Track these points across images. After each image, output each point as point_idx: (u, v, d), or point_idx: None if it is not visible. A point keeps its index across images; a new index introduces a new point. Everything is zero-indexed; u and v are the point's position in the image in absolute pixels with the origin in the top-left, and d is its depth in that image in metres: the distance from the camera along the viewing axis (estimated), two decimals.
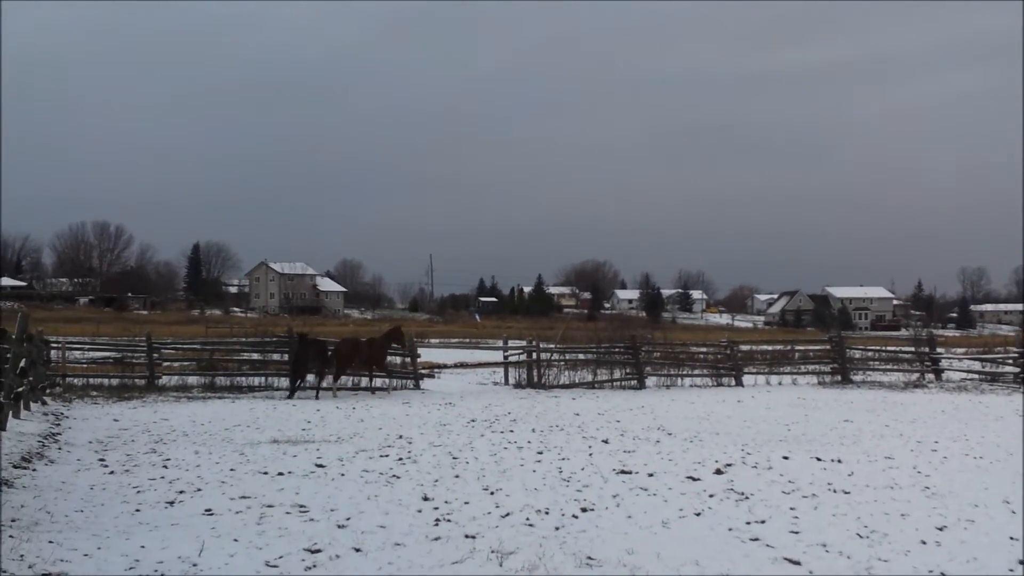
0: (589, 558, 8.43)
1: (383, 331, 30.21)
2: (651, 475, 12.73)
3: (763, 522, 9.96)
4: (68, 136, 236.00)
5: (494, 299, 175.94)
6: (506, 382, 30.52)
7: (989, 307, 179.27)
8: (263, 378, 28.30)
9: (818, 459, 14.31)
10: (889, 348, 39.21)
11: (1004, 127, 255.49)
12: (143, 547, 8.63)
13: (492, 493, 11.44)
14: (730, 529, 9.62)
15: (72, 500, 10.73)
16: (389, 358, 28.26)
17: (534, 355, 30.27)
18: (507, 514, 10.24)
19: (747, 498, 11.23)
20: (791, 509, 10.62)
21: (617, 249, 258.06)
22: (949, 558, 8.60)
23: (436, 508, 10.51)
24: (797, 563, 8.39)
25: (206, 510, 10.28)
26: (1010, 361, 34.01)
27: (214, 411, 20.93)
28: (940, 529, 9.76)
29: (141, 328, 41.31)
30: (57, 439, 15.91)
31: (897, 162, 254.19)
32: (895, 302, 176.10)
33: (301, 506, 10.53)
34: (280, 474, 12.61)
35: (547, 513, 10.31)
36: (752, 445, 15.83)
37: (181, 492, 11.31)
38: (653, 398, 25.62)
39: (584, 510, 10.48)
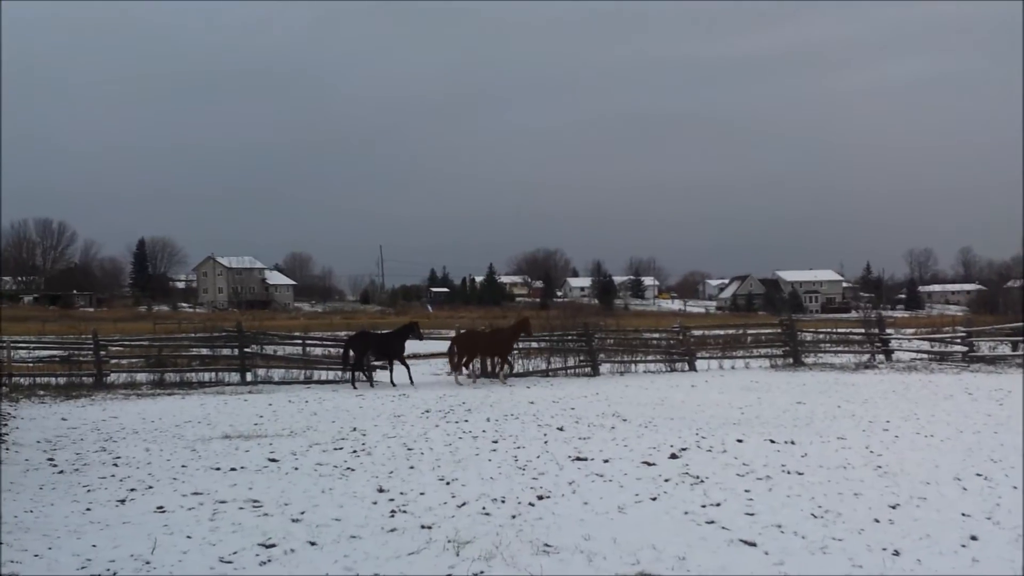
0: (546, 545, 8.45)
1: (511, 323, 30.99)
2: (606, 461, 12.74)
3: (718, 505, 10.02)
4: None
5: (446, 289, 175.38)
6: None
7: (937, 288, 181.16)
8: (213, 373, 28.01)
9: (771, 441, 14.40)
10: (840, 330, 39.58)
11: (953, 112, 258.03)
12: (94, 546, 8.52)
13: (448, 483, 11.41)
14: (686, 513, 9.67)
15: (21, 501, 10.55)
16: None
17: None
18: (463, 504, 10.23)
19: (702, 482, 11.28)
20: (746, 491, 10.69)
21: (568, 238, 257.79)
22: (902, 535, 8.70)
23: (391, 500, 10.47)
24: (753, 544, 8.44)
25: (158, 507, 10.16)
26: (958, 341, 34.37)
27: (164, 408, 20.66)
28: (893, 507, 9.87)
29: (87, 326, 40.73)
30: (4, 439, 15.63)
31: (845, 145, 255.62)
32: (844, 284, 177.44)
33: (255, 501, 10.43)
34: (232, 469, 12.49)
35: (503, 502, 10.31)
36: (706, 429, 15.89)
37: (132, 490, 11.17)
38: (607, 385, 25.65)
39: (540, 498, 10.49)
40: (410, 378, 26.58)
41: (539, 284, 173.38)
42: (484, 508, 9.96)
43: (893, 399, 20.77)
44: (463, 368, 28.04)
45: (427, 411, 19.19)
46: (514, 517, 9.55)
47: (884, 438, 14.74)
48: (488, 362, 28.76)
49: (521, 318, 30.76)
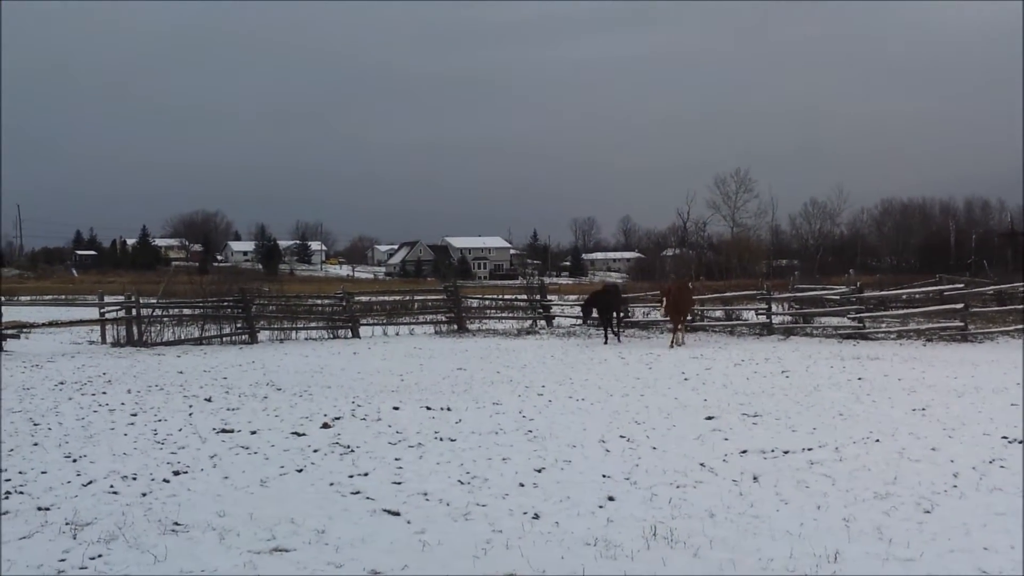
0: (176, 523, 7.83)
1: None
2: (253, 433, 12.17)
3: (366, 475, 9.75)
4: None
5: (93, 252, 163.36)
6: (103, 341, 28.72)
7: (599, 255, 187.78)
8: None
9: (428, 408, 14.29)
10: (505, 296, 40.38)
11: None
12: None
13: (75, 460, 10.53)
14: (331, 484, 9.34)
15: None
16: None
17: (134, 311, 28.46)
18: (89, 482, 9.45)
19: (352, 451, 10.97)
20: (396, 460, 10.48)
21: (231, 200, 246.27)
22: (544, 498, 8.70)
23: (8, 480, 9.48)
24: (396, 514, 8.18)
25: None
26: None
27: None
28: (538, 471, 9.89)
29: None
30: None
31: (524, 118, 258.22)
32: (512, 252, 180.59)
33: None
34: None
35: (135, 479, 9.59)
36: (363, 397, 15.61)
37: None
38: (265, 353, 24.86)
39: (176, 473, 9.83)
40: None
41: (198, 247, 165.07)
42: (112, 486, 9.22)
43: (551, 364, 21.31)
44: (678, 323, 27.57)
45: (62, 383, 17.68)
46: (144, 495, 8.86)
47: (538, 402, 14.96)
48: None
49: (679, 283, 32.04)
